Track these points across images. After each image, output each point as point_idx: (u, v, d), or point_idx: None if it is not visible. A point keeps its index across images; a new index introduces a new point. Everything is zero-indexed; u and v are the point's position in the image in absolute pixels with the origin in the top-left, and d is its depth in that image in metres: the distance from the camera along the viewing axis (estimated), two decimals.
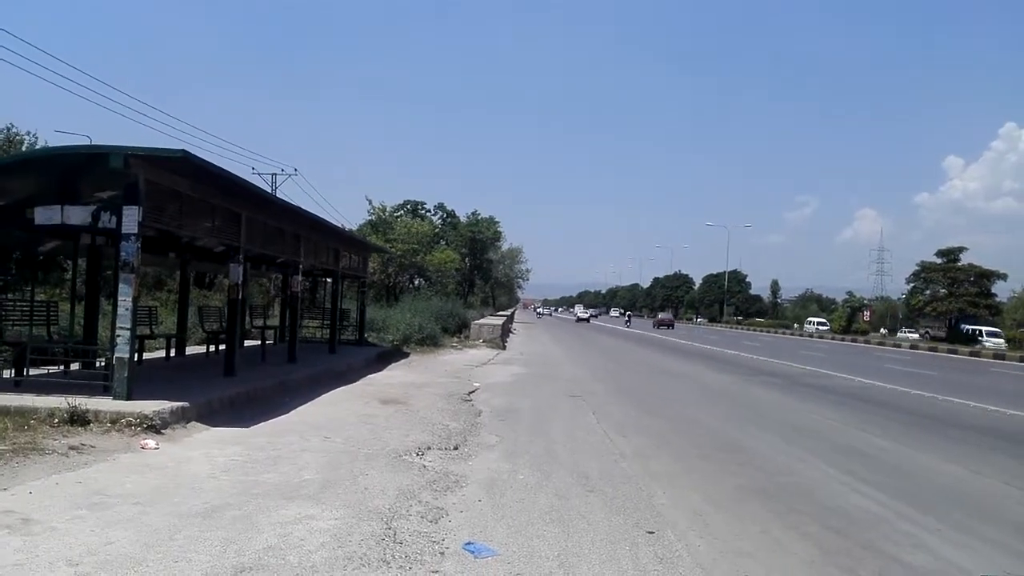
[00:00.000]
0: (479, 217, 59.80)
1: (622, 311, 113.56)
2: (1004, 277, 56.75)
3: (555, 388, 15.24)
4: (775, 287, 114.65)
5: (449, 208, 64.14)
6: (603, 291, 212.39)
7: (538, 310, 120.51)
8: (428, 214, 61.37)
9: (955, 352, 40.21)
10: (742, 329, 78.45)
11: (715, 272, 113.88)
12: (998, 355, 36.89)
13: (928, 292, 58.02)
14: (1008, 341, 44.37)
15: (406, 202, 60.27)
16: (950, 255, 58.76)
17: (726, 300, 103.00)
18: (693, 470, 7.89)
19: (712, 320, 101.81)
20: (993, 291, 57.38)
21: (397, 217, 51.67)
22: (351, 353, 18.75)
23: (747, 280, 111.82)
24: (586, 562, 4.77)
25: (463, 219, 61.13)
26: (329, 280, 22.15)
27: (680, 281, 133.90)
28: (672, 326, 65.58)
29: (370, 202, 46.22)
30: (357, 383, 13.86)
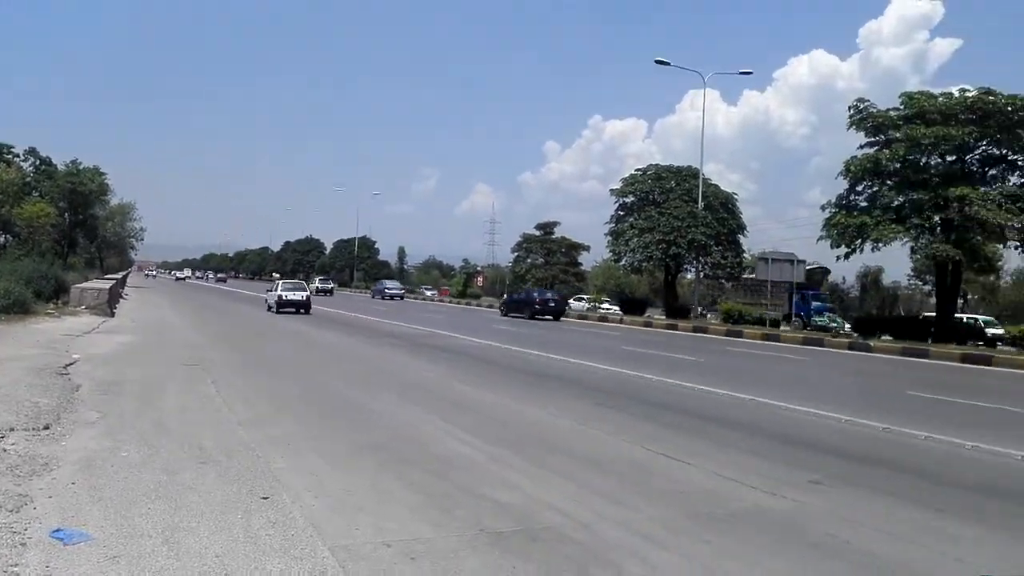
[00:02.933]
0: (81, 167, 52.67)
1: (213, 274, 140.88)
2: (588, 248, 66.23)
3: (171, 356, 14.27)
4: (401, 254, 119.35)
5: (43, 154, 55.65)
6: (231, 254, 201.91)
7: (147, 272, 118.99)
8: (16, 159, 52.62)
9: None
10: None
11: (346, 238, 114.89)
12: (581, 316, 42.82)
13: (529, 260, 65.18)
14: (590, 304, 51.61)
15: None
16: (547, 228, 66.65)
17: (356, 265, 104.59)
18: (314, 432, 8.02)
19: (343, 285, 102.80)
20: (579, 260, 66.68)
21: None
22: None
23: (376, 246, 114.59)
24: (194, 535, 4.63)
25: (61, 167, 53.39)
26: None
27: (311, 245, 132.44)
28: (225, 281, 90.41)
29: None
30: None
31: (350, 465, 6.64)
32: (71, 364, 12.19)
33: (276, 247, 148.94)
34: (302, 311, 31.68)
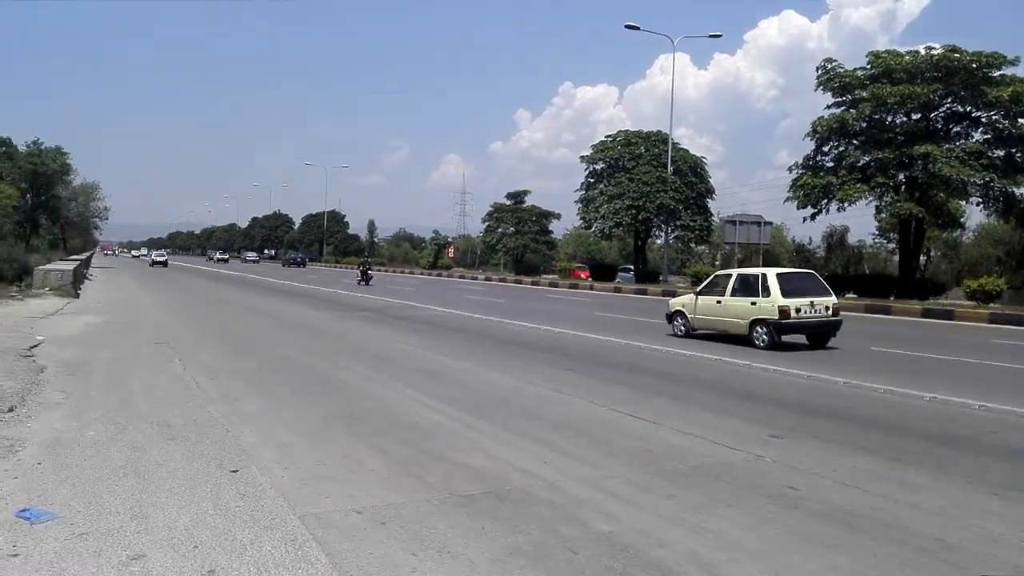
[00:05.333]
0: (43, 147, 51.36)
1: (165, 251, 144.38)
2: (559, 216, 66.20)
3: (138, 336, 14.12)
4: (372, 227, 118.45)
5: (3, 136, 54.29)
6: (197, 231, 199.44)
7: (107, 251, 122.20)
8: None
9: (520, 282, 45.84)
10: (341, 268, 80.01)
11: (315, 212, 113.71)
12: (552, 283, 43.00)
13: (500, 230, 65.01)
14: (559, 271, 51.67)
15: None
16: (517, 197, 66.45)
17: (325, 239, 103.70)
18: (283, 406, 8.02)
19: (312, 260, 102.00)
20: (550, 229, 66.65)
21: None
22: None
23: (346, 220, 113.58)
24: (162, 510, 4.64)
25: (22, 149, 52.03)
26: None
27: (280, 221, 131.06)
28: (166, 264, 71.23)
29: None
30: None
31: (320, 436, 6.67)
32: (35, 346, 12.02)
33: (244, 223, 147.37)
34: (164, 265, 64.34)
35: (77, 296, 24.57)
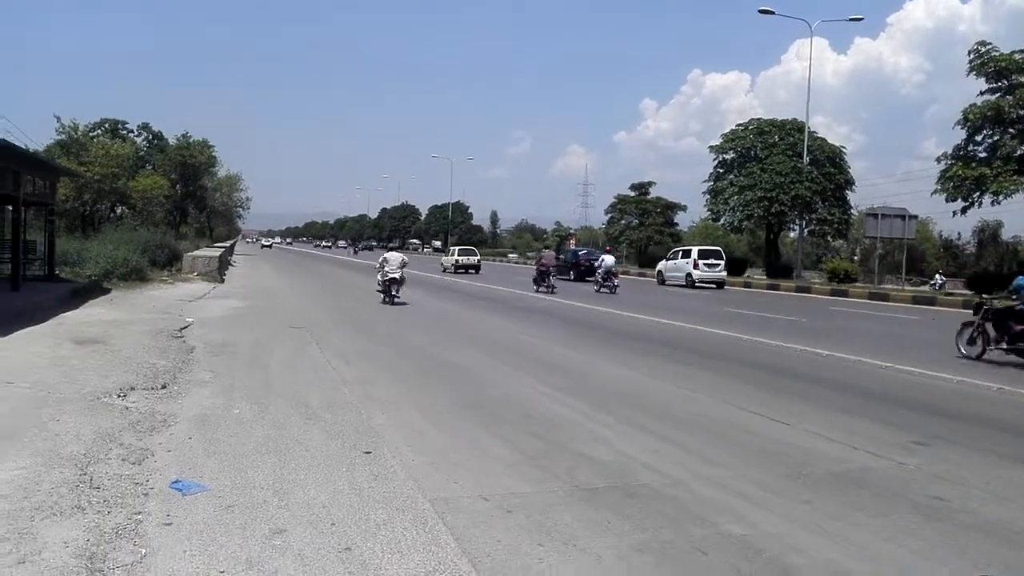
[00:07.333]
0: (191, 140, 54.90)
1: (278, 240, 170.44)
2: (684, 208, 64.66)
3: (277, 320, 14.88)
4: (494, 218, 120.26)
5: (155, 129, 58.46)
6: (331, 222, 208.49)
7: (248, 240, 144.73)
8: (131, 135, 55.50)
9: (643, 275, 45.16)
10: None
11: (440, 203, 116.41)
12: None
13: (623, 222, 64.24)
14: None
15: (104, 120, 53.97)
16: (642, 188, 65.41)
17: (450, 230, 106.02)
18: (413, 391, 8.22)
19: (437, 250, 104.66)
20: (675, 221, 65.20)
21: (93, 138, 46.20)
22: (39, 290, 16.73)
23: (469, 211, 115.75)
24: (301, 487, 4.85)
25: (172, 141, 55.86)
26: (10, 208, 19.36)
27: (407, 212, 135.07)
28: (271, 247, 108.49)
29: (59, 119, 40.76)
30: (47, 323, 12.44)
31: (448, 422, 6.79)
32: (185, 328, 12.88)
33: (374, 214, 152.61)
34: (272, 248, 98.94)
35: (222, 281, 26.16)
